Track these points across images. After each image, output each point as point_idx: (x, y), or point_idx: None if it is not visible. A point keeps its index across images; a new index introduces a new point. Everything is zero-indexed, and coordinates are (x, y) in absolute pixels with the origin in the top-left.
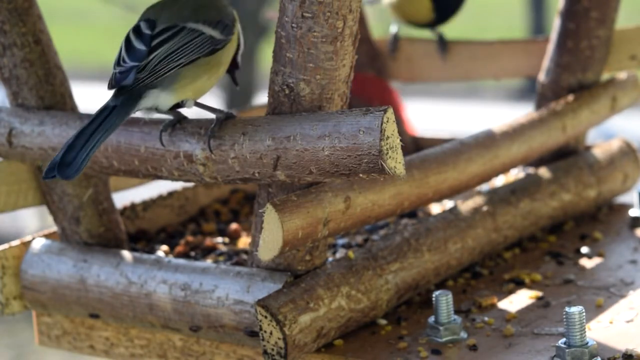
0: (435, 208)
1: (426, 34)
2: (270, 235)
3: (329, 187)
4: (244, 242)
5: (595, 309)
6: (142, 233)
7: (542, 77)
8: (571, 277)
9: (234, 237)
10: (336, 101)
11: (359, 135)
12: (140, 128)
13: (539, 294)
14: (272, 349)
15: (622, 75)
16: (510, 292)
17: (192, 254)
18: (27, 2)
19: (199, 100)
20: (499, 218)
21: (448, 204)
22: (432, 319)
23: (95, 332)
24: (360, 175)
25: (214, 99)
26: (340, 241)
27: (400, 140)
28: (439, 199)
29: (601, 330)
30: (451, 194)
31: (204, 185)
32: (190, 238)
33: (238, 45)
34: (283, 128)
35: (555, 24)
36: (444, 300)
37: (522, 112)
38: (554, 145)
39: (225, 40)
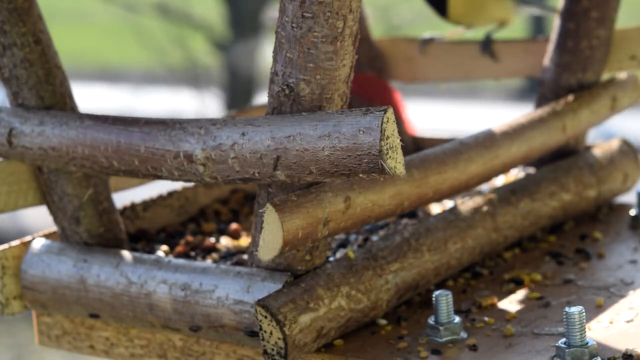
0: (435, 208)
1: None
2: (270, 235)
3: (329, 187)
4: (244, 242)
5: (595, 309)
6: (142, 233)
7: (542, 77)
8: (571, 277)
9: (234, 237)
10: (336, 101)
11: (359, 135)
12: (140, 128)
13: (539, 294)
14: (272, 349)
15: (622, 75)
16: (510, 292)
17: (192, 254)
18: (27, 2)
19: None
20: (499, 218)
21: (448, 204)
22: (432, 319)
23: (95, 332)
24: (360, 175)
25: (213, 98)
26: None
27: (400, 140)
28: (439, 199)
29: (601, 330)
30: (451, 194)
31: (204, 185)
32: (190, 238)
33: None
34: (283, 128)
35: (555, 24)
36: (444, 300)
37: (522, 112)
38: (554, 145)
39: None
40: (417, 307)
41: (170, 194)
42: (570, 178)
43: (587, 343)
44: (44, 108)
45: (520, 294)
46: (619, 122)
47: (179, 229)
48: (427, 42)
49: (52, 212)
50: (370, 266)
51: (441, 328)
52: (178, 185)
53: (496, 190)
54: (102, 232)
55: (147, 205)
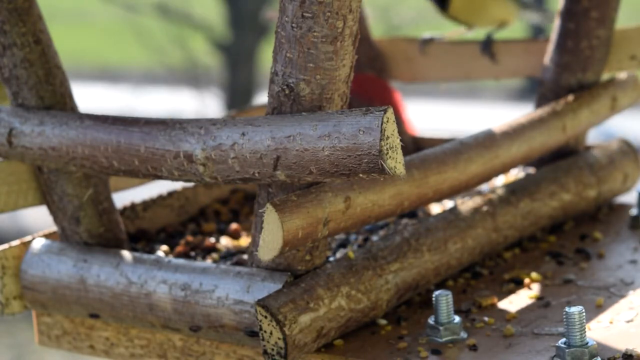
0: (435, 208)
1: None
2: (270, 235)
3: (329, 187)
4: (244, 242)
5: (595, 309)
6: (142, 233)
7: (542, 77)
8: (571, 277)
9: (234, 237)
10: (336, 101)
11: (359, 135)
12: (140, 128)
13: (539, 294)
14: (272, 349)
15: (622, 75)
16: (510, 292)
17: (192, 254)
18: (27, 2)
19: None
20: (499, 218)
21: (448, 204)
22: (432, 319)
23: (95, 332)
24: (360, 175)
25: (213, 98)
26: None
27: (400, 140)
28: (439, 199)
29: (601, 330)
30: (451, 194)
31: (204, 185)
32: (190, 238)
33: None
34: (283, 128)
35: (555, 24)
36: (444, 300)
37: (522, 112)
38: (554, 145)
39: None
40: (417, 307)
41: (170, 194)
42: (570, 178)
43: (587, 343)
44: (44, 108)
45: (520, 294)
46: (619, 122)
47: (179, 229)
48: (427, 42)
49: (52, 212)
50: (370, 266)
51: (441, 328)
52: (178, 185)
53: (496, 190)
54: (102, 232)
55: (147, 205)
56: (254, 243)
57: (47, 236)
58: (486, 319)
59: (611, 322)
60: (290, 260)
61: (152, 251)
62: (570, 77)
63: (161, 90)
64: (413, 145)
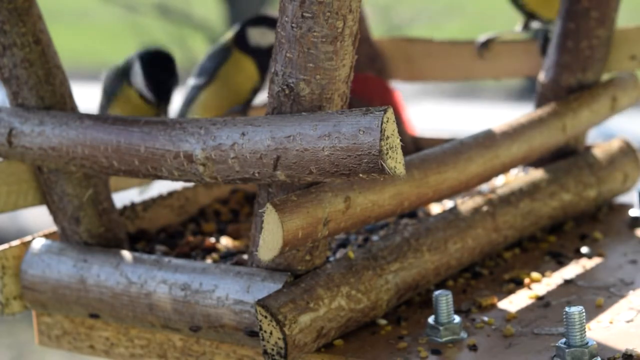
0: (435, 208)
1: (426, 33)
2: (270, 235)
3: (329, 187)
4: (244, 242)
5: (595, 309)
6: (142, 233)
7: (542, 77)
8: (571, 277)
9: (234, 237)
10: (336, 101)
11: (359, 135)
12: (140, 128)
13: (539, 294)
14: (272, 349)
15: (622, 75)
16: (510, 292)
17: (192, 254)
18: (27, 2)
19: None
20: (499, 218)
21: (448, 204)
22: (432, 319)
23: (95, 332)
24: (360, 175)
25: None
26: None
27: (400, 140)
28: (439, 199)
29: (601, 330)
30: (451, 194)
31: (204, 185)
32: (190, 238)
33: None
34: (283, 128)
35: (555, 24)
36: (444, 300)
37: (522, 112)
38: (554, 145)
39: None
40: (417, 307)
41: (170, 194)
42: (570, 178)
43: (587, 343)
44: (44, 108)
45: (520, 294)
46: (619, 122)
47: (179, 229)
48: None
49: (52, 212)
50: (370, 266)
51: (441, 328)
52: (178, 185)
53: (496, 190)
54: (102, 232)
55: (147, 205)
56: (254, 243)
57: (47, 236)
58: (486, 319)
59: (611, 322)
60: (290, 260)
61: (152, 251)
62: (570, 77)
63: None
64: (413, 145)
